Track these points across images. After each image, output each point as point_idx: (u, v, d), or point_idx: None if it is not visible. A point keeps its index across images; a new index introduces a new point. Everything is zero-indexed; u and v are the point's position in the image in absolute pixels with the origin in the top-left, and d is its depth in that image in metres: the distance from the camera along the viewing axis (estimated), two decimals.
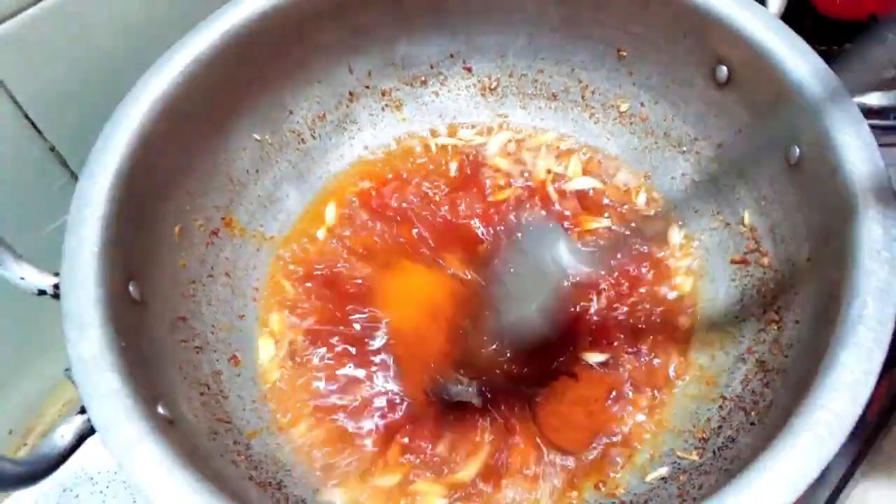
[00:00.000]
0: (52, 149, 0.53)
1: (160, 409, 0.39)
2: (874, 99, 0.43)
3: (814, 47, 0.45)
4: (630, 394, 0.48)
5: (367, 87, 0.59)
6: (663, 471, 0.44)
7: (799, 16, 0.50)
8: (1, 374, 0.59)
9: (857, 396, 0.34)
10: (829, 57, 0.45)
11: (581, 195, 0.57)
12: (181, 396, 0.43)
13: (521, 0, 0.56)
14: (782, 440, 0.34)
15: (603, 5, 0.54)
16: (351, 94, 0.58)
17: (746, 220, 0.51)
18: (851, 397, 0.34)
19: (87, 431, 0.36)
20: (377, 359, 0.50)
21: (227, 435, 0.45)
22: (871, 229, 0.38)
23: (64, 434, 0.36)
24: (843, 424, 0.33)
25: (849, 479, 0.51)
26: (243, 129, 0.53)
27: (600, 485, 0.45)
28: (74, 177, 0.55)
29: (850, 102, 0.42)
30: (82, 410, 0.36)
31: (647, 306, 0.51)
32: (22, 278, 0.40)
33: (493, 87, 0.60)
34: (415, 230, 0.55)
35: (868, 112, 0.43)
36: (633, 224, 0.54)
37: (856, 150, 0.41)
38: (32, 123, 0.51)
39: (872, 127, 0.42)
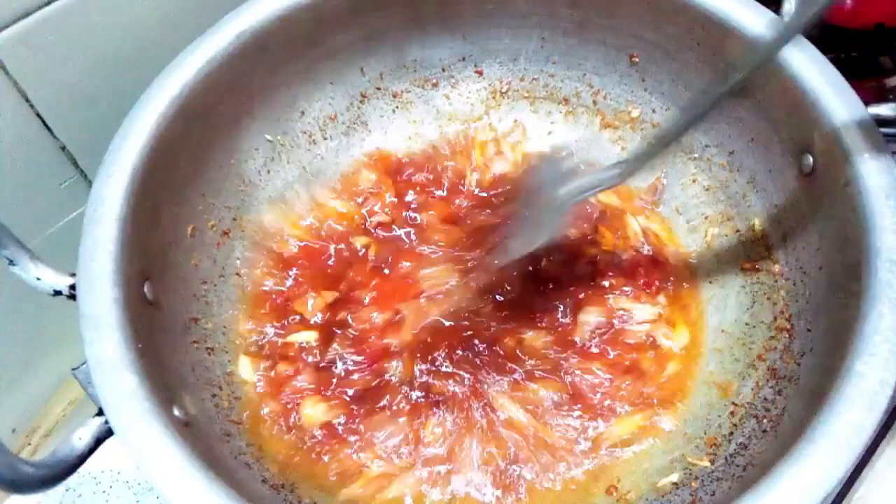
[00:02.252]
0: (63, 148, 0.53)
1: (175, 411, 0.39)
2: (888, 109, 0.43)
3: None
4: None
5: (379, 88, 0.59)
6: (674, 476, 0.44)
7: None
8: (6, 373, 0.59)
9: (874, 406, 0.34)
10: (835, 64, 0.45)
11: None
12: (194, 398, 0.43)
13: (534, 5, 0.56)
14: (799, 449, 0.34)
15: (616, 11, 0.54)
16: (362, 95, 0.58)
17: (757, 228, 0.51)
18: (868, 407, 0.34)
19: (105, 434, 0.36)
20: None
21: (240, 437, 0.45)
22: (887, 239, 0.39)
23: (82, 436, 0.35)
24: (860, 434, 0.34)
25: (852, 483, 0.52)
26: (256, 130, 0.53)
27: (612, 490, 0.45)
28: (84, 175, 0.55)
29: (864, 113, 0.43)
30: (100, 412, 0.36)
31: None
32: (38, 279, 0.39)
33: (504, 90, 0.61)
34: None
35: (881, 122, 0.43)
36: None
37: (870, 160, 0.41)
38: (44, 122, 0.51)
39: (885, 136, 0.43)
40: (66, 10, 0.48)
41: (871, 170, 0.41)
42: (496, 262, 0.51)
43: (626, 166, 0.44)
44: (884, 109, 0.44)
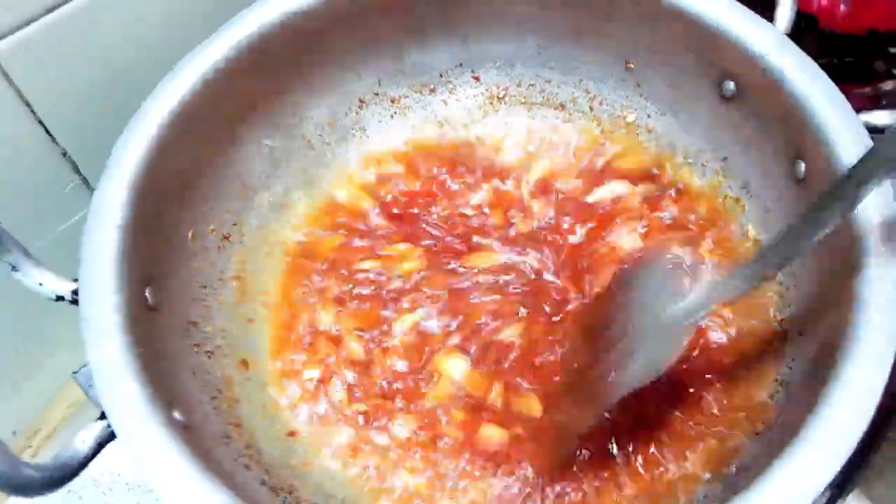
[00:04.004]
0: (65, 153, 0.54)
1: (176, 415, 0.39)
2: (880, 118, 0.44)
3: (815, 60, 0.46)
4: None
5: (377, 94, 0.59)
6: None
7: (800, 29, 0.51)
8: (7, 376, 0.60)
9: (863, 410, 0.35)
10: (829, 69, 0.46)
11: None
12: (194, 401, 0.44)
13: (531, 10, 0.56)
14: (789, 453, 0.35)
15: (612, 17, 0.54)
16: (361, 100, 0.59)
17: (751, 233, 0.52)
18: (857, 411, 0.35)
19: (107, 437, 0.36)
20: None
21: (240, 440, 0.45)
22: (877, 245, 0.39)
23: (84, 439, 0.36)
24: (848, 437, 0.34)
25: (843, 489, 0.52)
26: (256, 135, 0.54)
27: None
28: (85, 181, 0.56)
29: (856, 120, 0.43)
30: (102, 416, 0.37)
31: None
32: (41, 284, 0.40)
33: (500, 95, 0.61)
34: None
35: (874, 129, 0.44)
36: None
37: None
38: (45, 128, 0.51)
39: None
40: (69, 18, 0.49)
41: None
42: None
43: (749, 272, 0.39)
44: (875, 117, 0.45)
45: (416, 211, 0.57)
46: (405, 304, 0.53)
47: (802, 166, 0.46)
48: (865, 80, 0.64)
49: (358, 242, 0.56)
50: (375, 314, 0.53)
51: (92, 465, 0.54)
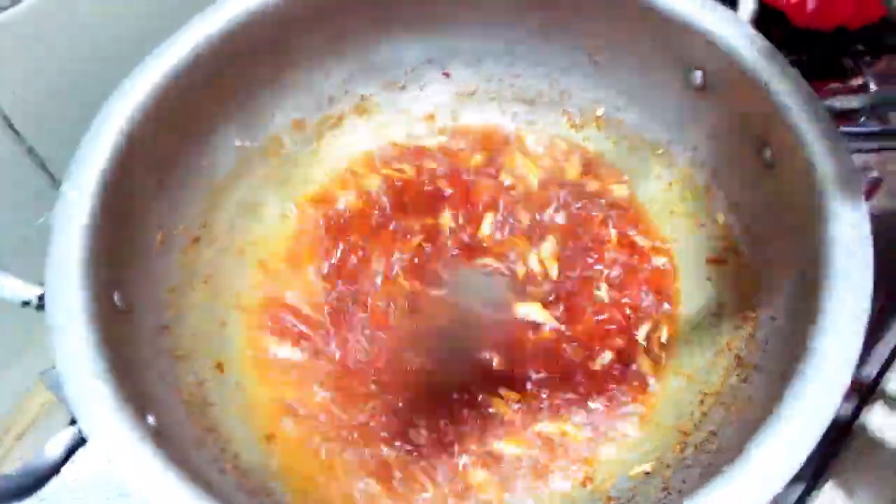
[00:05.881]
0: (31, 150, 0.52)
1: (150, 419, 0.38)
2: (843, 101, 0.45)
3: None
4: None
5: (346, 91, 0.59)
6: (646, 466, 0.45)
7: (768, 24, 0.52)
8: None
9: (835, 389, 0.35)
10: (797, 66, 0.46)
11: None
12: (167, 405, 0.43)
13: (499, 7, 0.56)
14: (763, 433, 0.35)
15: (578, 12, 0.55)
16: (330, 98, 0.59)
17: (721, 221, 0.52)
18: (829, 390, 0.35)
19: (78, 443, 0.36)
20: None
21: (214, 444, 0.44)
22: (843, 228, 0.40)
23: (54, 446, 0.35)
24: (822, 416, 0.35)
25: (818, 477, 0.52)
26: (224, 135, 0.53)
27: (587, 482, 0.46)
28: (53, 178, 0.55)
29: (820, 105, 0.44)
30: (73, 422, 0.36)
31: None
32: (5, 290, 0.39)
33: (471, 92, 0.61)
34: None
35: (837, 116, 0.45)
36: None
37: (826, 152, 0.42)
38: (10, 125, 0.50)
39: (844, 134, 0.44)
40: (34, 11, 0.47)
41: (826, 161, 0.42)
42: None
43: None
44: (838, 101, 0.46)
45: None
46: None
47: (769, 152, 0.46)
48: (833, 77, 0.66)
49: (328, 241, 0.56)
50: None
51: (65, 470, 0.53)
